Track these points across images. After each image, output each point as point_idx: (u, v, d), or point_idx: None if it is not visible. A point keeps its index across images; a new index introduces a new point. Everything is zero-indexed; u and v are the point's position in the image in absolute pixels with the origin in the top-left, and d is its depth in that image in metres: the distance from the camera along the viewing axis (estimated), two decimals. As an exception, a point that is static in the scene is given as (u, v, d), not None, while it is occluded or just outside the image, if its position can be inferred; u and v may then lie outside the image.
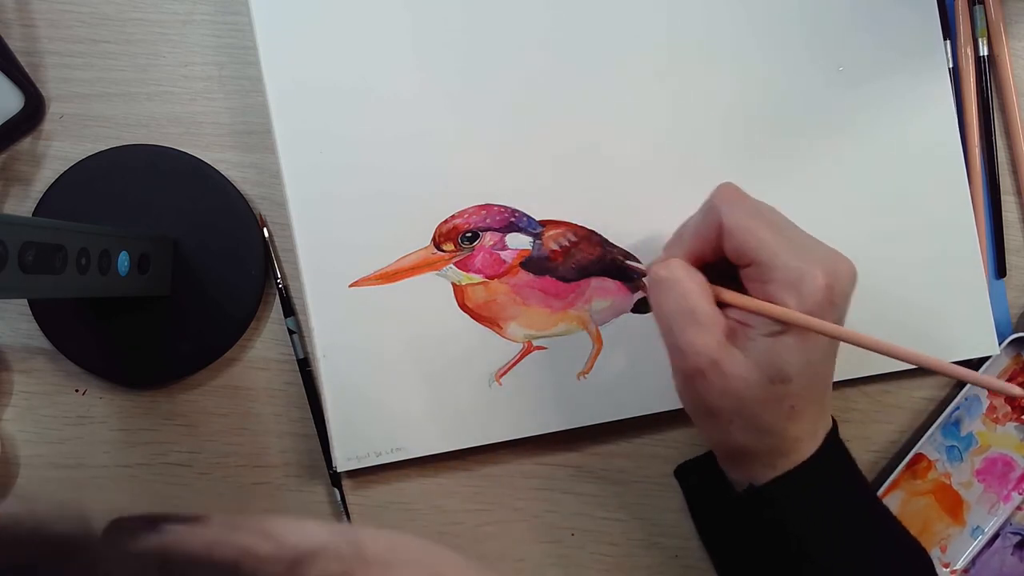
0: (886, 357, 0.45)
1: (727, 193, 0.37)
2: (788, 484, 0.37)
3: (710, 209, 0.37)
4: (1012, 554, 0.48)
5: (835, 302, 0.35)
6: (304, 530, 0.22)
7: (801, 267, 0.34)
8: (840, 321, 0.36)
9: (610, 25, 0.45)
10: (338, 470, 0.45)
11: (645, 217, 0.45)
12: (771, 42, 0.46)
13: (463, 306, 0.45)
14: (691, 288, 0.36)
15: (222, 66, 0.46)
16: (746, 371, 0.35)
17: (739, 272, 0.37)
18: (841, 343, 0.37)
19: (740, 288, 0.37)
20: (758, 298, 0.35)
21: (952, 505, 0.48)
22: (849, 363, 0.45)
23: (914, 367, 0.46)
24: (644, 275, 0.43)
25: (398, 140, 0.44)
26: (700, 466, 0.44)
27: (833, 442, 0.38)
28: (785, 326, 0.35)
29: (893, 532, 0.39)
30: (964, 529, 0.48)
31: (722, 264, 0.37)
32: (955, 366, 0.36)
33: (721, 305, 0.37)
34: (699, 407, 0.37)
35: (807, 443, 0.37)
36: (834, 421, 0.39)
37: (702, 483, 0.44)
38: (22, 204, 0.46)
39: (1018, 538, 0.48)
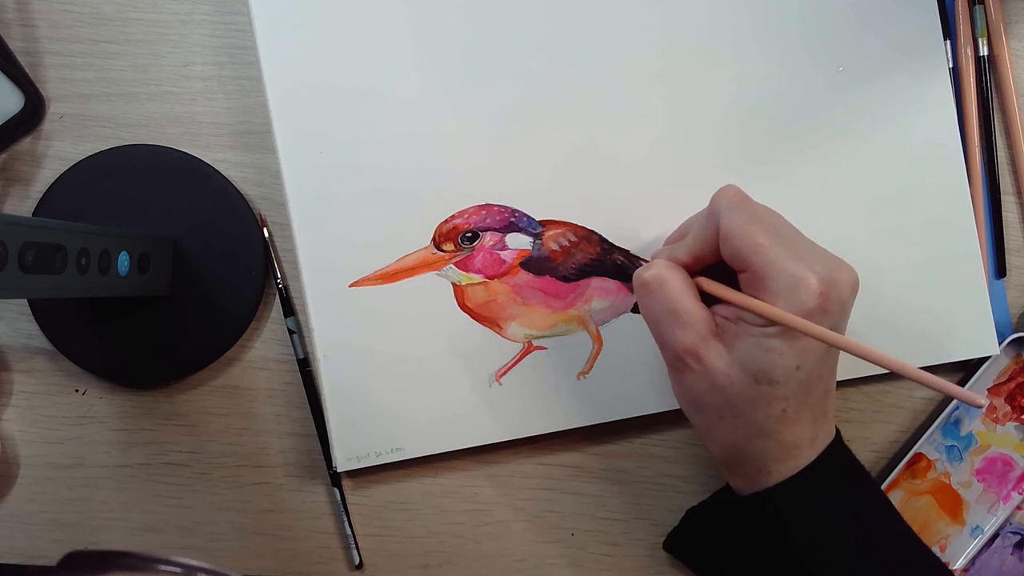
0: (886, 371, 0.46)
1: (728, 196, 0.37)
2: (789, 488, 0.37)
3: (710, 212, 0.37)
4: (1012, 554, 0.48)
5: (828, 309, 0.34)
6: None
7: (795, 273, 0.34)
8: (837, 329, 0.35)
9: (610, 25, 0.45)
10: (338, 470, 0.45)
11: (645, 217, 0.45)
12: (771, 42, 0.46)
13: (463, 306, 0.45)
14: (673, 287, 0.36)
15: (222, 66, 0.46)
16: (728, 367, 0.35)
17: (737, 276, 0.36)
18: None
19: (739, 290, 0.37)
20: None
21: (952, 505, 0.48)
22: (849, 363, 0.45)
23: (915, 367, 0.46)
24: None
25: (398, 140, 0.44)
26: (686, 529, 0.45)
27: (837, 449, 0.38)
28: (774, 326, 0.35)
29: (909, 544, 0.38)
30: (964, 529, 0.48)
31: (724, 266, 0.37)
32: (925, 373, 0.34)
33: (714, 302, 0.37)
34: (688, 400, 0.38)
35: (806, 450, 0.37)
36: (837, 430, 0.39)
37: (695, 541, 0.44)
38: (22, 204, 0.46)
39: (1018, 538, 0.48)
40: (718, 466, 0.40)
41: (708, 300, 0.38)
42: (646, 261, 0.45)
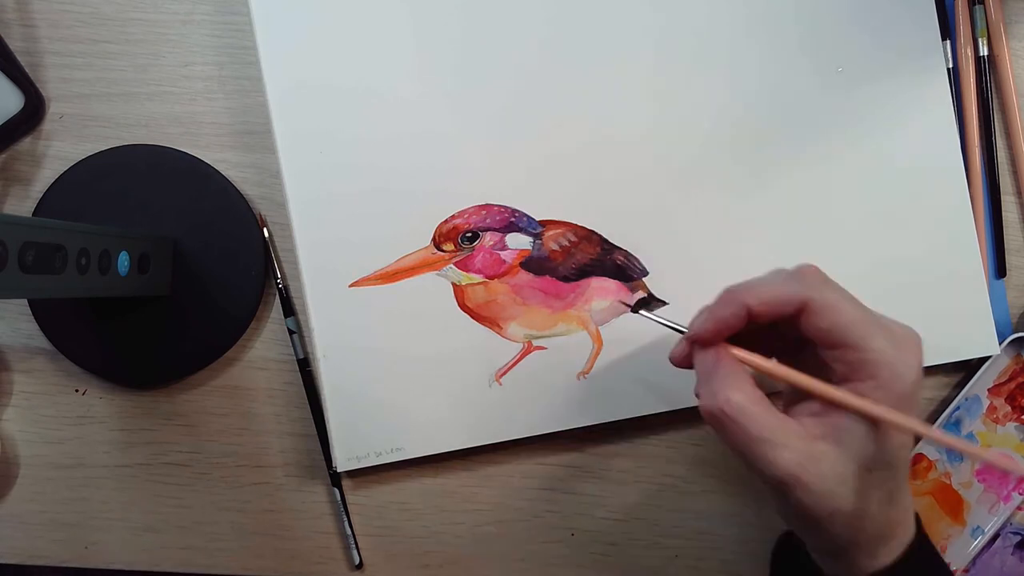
0: None
1: (815, 272, 0.34)
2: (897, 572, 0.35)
3: (794, 281, 0.34)
4: (1012, 554, 0.48)
5: (922, 381, 0.33)
6: None
7: (896, 353, 0.32)
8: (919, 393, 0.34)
9: (610, 25, 0.45)
10: (338, 470, 0.45)
11: (645, 217, 0.45)
12: (770, 43, 0.46)
13: (463, 306, 0.45)
14: (754, 411, 0.33)
15: (222, 66, 0.46)
16: (841, 468, 0.32)
17: (819, 352, 0.34)
18: None
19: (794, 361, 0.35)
20: (855, 387, 0.33)
21: (952, 505, 0.48)
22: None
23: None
24: (680, 333, 0.38)
25: (398, 140, 0.44)
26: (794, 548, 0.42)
27: (921, 530, 0.37)
28: (879, 397, 0.32)
29: None
30: (964, 529, 0.48)
31: (766, 333, 0.35)
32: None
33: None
34: (794, 516, 0.35)
35: (903, 527, 0.35)
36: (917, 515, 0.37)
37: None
38: (22, 204, 0.46)
39: (1018, 538, 0.48)
40: (817, 558, 0.37)
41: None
42: (643, 265, 0.45)
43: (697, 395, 0.35)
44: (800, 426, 0.33)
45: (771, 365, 0.35)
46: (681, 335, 0.37)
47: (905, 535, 0.35)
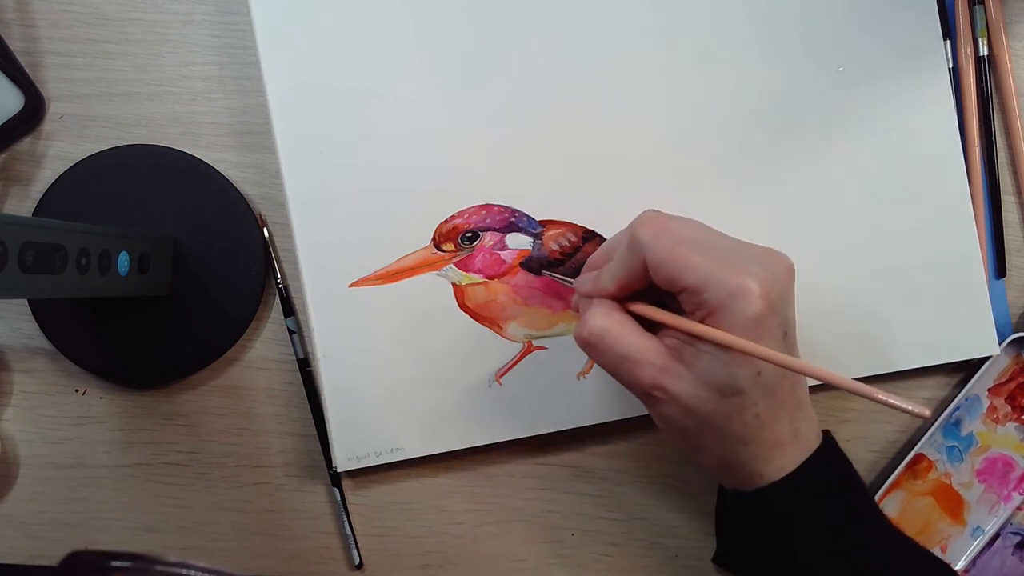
0: (890, 371, 0.46)
1: (648, 224, 0.36)
2: (779, 490, 0.37)
3: (632, 242, 0.36)
4: (1012, 554, 0.48)
5: (774, 308, 0.34)
6: None
7: (733, 283, 0.34)
8: (789, 319, 0.36)
9: (610, 25, 0.45)
10: (338, 470, 0.45)
11: (645, 217, 0.45)
12: (771, 43, 0.46)
13: (463, 306, 0.45)
14: (614, 334, 0.37)
15: (222, 66, 0.46)
16: (693, 388, 0.35)
17: (676, 298, 0.36)
18: (799, 343, 0.37)
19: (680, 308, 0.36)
20: (696, 320, 0.35)
21: (952, 505, 0.48)
22: (849, 364, 0.45)
23: (915, 367, 0.46)
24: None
25: (398, 140, 0.44)
26: (722, 535, 0.44)
27: (827, 447, 0.38)
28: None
29: (901, 541, 0.38)
30: (964, 529, 0.48)
31: (655, 288, 0.37)
32: (858, 384, 0.34)
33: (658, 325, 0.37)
34: (667, 428, 0.38)
35: (789, 446, 0.37)
36: (827, 432, 0.39)
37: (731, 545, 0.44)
38: (22, 204, 0.46)
39: (1018, 538, 0.48)
40: (718, 480, 0.40)
41: (650, 324, 0.37)
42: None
43: None
44: (663, 347, 0.36)
45: (637, 306, 0.38)
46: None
47: (795, 454, 0.37)
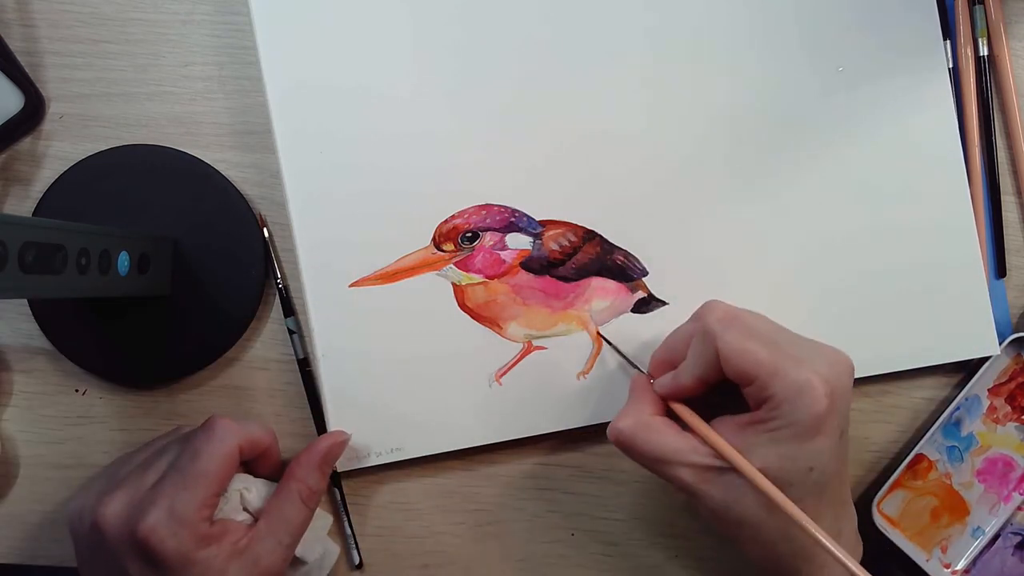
0: (890, 371, 0.46)
1: (717, 315, 0.37)
2: None
3: (705, 334, 0.37)
4: (1013, 554, 0.48)
5: (837, 406, 0.35)
6: None
7: (799, 379, 0.34)
8: (846, 418, 0.36)
9: (610, 25, 0.45)
10: (338, 470, 0.45)
11: (645, 217, 0.45)
12: (769, 42, 0.46)
13: (463, 306, 0.45)
14: (646, 434, 0.37)
15: (222, 66, 0.46)
16: (735, 488, 0.36)
17: (742, 391, 0.36)
18: (849, 433, 0.37)
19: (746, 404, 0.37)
20: (763, 414, 0.35)
21: (953, 505, 0.48)
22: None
23: (915, 367, 0.46)
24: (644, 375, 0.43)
25: (398, 140, 0.44)
26: None
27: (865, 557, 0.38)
28: (784, 430, 0.35)
29: None
30: (965, 529, 0.48)
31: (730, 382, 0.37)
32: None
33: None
34: (707, 520, 0.38)
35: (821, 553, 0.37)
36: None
37: None
38: (22, 204, 0.46)
39: (1019, 538, 0.48)
40: (758, 572, 0.40)
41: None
42: (643, 265, 0.45)
43: None
44: (697, 445, 0.37)
45: (679, 408, 0.39)
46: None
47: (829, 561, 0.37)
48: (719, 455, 0.36)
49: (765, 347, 0.35)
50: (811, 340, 0.38)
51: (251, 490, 0.41)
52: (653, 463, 0.37)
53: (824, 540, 0.34)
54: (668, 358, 0.41)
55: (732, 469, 0.36)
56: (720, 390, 0.38)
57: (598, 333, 0.45)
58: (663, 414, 0.39)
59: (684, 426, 0.38)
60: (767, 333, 0.37)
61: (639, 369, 0.44)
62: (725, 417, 0.37)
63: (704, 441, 0.37)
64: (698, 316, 0.38)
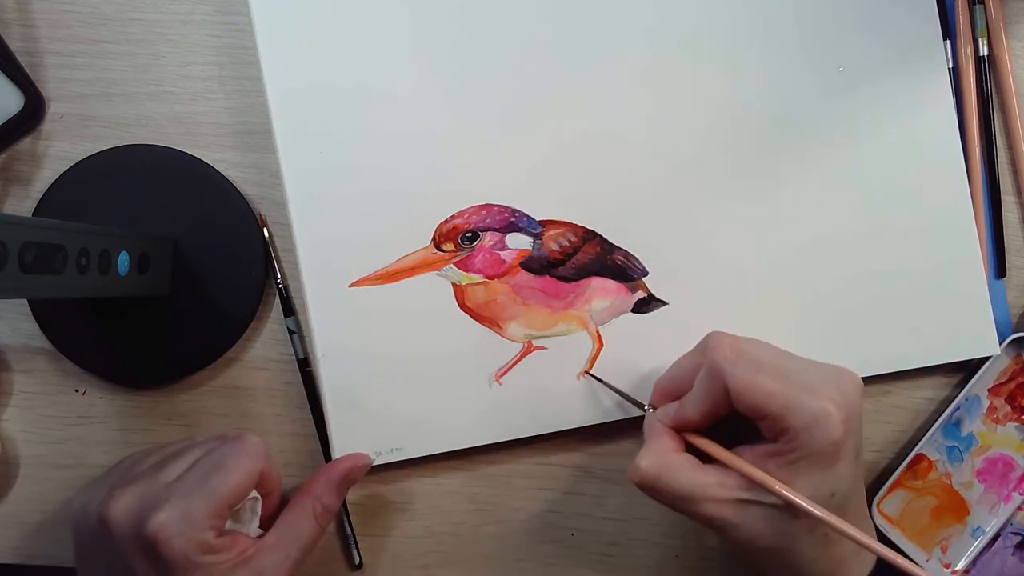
0: (890, 371, 0.46)
1: (724, 351, 0.37)
2: None
3: (712, 370, 0.37)
4: (1013, 554, 0.48)
5: (852, 430, 0.35)
6: None
7: (813, 408, 0.34)
8: (861, 438, 0.37)
9: (610, 24, 0.45)
10: (338, 470, 0.45)
11: (645, 217, 0.45)
12: (770, 42, 0.46)
13: (463, 306, 0.45)
14: (669, 472, 0.37)
15: (222, 66, 0.46)
16: (762, 518, 0.36)
17: (757, 424, 0.37)
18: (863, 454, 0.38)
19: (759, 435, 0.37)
20: (782, 447, 0.36)
21: (953, 505, 0.48)
22: (850, 364, 0.45)
23: (915, 367, 0.46)
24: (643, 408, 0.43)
25: (398, 140, 0.44)
26: None
27: (880, 568, 0.38)
28: (803, 460, 0.35)
29: None
30: (965, 529, 0.48)
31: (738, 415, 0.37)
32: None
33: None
34: (735, 551, 0.39)
35: (853, 561, 0.37)
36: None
37: None
38: (22, 204, 0.46)
39: (1019, 538, 0.48)
40: None
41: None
42: (643, 265, 0.45)
43: None
44: (723, 478, 0.36)
45: (699, 440, 0.38)
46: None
47: (859, 569, 0.37)
48: (751, 483, 0.36)
49: (775, 380, 0.35)
50: (817, 363, 0.38)
51: (257, 511, 0.40)
52: (679, 501, 0.37)
53: (880, 549, 0.34)
54: (672, 388, 0.41)
55: (756, 501, 0.36)
56: (726, 419, 0.38)
57: (588, 373, 0.45)
58: (683, 450, 0.39)
59: (703, 459, 0.38)
60: (774, 363, 0.37)
61: (635, 403, 0.44)
62: (743, 447, 0.37)
63: (731, 471, 0.37)
64: (703, 350, 0.38)
